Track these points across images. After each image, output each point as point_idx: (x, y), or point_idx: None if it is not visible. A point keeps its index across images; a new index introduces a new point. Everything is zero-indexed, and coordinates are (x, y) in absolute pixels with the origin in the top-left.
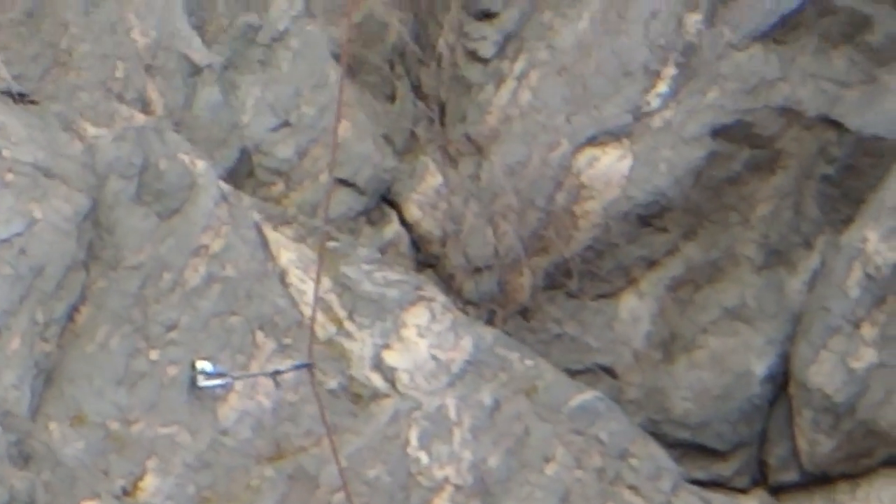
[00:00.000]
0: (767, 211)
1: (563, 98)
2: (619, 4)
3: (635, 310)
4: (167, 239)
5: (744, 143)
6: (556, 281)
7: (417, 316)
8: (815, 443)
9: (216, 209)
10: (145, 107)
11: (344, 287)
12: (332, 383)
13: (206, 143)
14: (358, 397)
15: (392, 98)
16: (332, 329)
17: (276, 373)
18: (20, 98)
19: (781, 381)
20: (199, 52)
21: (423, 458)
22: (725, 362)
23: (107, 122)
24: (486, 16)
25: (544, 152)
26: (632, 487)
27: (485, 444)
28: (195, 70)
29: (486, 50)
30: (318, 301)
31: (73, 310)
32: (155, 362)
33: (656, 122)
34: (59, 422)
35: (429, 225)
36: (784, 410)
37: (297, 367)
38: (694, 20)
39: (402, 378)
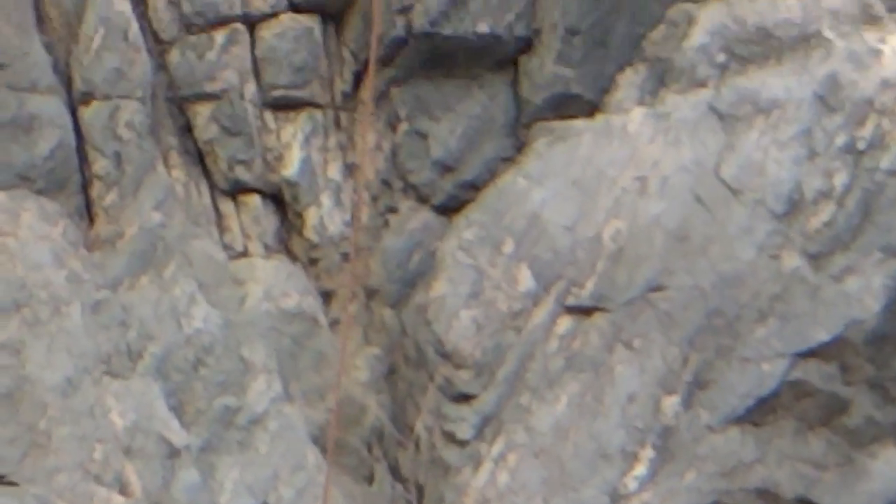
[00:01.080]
0: None
1: (540, 480)
2: (596, 387)
3: None
4: None
5: None
6: None
7: None
8: None
9: None
10: (123, 489)
11: None
12: None
13: None
14: None
15: (370, 480)
16: None
17: None
18: None
19: None
20: (177, 434)
21: None
22: None
23: None
24: (464, 398)
25: None
26: None
27: None
28: (173, 452)
29: (464, 432)
30: None
31: None
32: None
33: None
34: None
35: None
36: None
37: None
38: (671, 403)
39: None
